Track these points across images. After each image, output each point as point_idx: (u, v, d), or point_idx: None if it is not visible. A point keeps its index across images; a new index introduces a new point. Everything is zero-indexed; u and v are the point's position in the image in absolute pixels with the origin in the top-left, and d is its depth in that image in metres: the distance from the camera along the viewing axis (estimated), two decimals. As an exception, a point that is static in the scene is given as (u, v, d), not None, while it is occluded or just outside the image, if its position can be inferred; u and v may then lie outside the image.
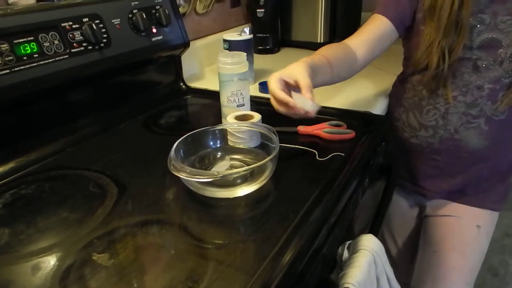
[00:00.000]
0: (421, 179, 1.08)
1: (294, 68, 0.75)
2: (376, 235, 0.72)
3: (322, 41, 1.54)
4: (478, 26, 0.87)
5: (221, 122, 0.88)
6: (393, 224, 1.20)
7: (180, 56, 1.11)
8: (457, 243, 1.01)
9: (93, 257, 0.53)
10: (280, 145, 0.66)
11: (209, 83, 1.18)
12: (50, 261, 0.53)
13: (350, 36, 0.98)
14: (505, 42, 0.86)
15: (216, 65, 1.36)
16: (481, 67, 0.89)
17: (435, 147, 0.99)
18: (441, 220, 1.05)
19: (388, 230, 1.21)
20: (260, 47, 1.52)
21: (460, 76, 0.91)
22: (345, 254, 0.67)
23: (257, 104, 0.94)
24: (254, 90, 1.11)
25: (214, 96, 1.01)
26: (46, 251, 0.55)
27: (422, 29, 0.92)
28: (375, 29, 0.96)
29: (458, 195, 1.05)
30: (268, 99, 1.01)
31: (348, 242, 0.69)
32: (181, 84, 1.13)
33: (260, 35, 1.50)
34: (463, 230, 1.02)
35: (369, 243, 0.65)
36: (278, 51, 1.56)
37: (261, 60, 1.42)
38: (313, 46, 1.54)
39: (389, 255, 1.20)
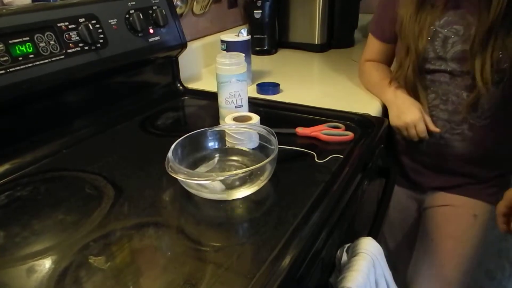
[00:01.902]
0: (413, 176, 1.13)
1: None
2: (375, 237, 0.72)
3: (319, 42, 1.54)
4: (452, 37, 0.91)
5: (218, 124, 0.88)
6: (393, 220, 1.21)
7: (177, 57, 1.10)
8: (453, 231, 1.02)
9: (90, 260, 0.52)
10: (278, 147, 0.66)
11: (206, 84, 1.17)
12: (46, 264, 0.52)
13: (366, 56, 1.15)
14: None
15: (213, 66, 1.35)
16: (457, 77, 0.93)
17: (424, 150, 1.04)
18: (438, 210, 1.07)
19: (388, 226, 1.21)
20: (258, 48, 1.52)
21: (439, 85, 0.96)
22: (344, 257, 0.66)
23: (255, 105, 0.94)
24: (252, 91, 1.11)
25: (211, 97, 1.00)
26: (41, 254, 0.54)
27: (398, 43, 1.01)
28: (376, 50, 1.12)
29: (453, 188, 1.08)
30: (266, 100, 1.02)
31: (347, 245, 0.69)
32: (178, 85, 1.13)
33: (258, 36, 1.50)
34: (459, 219, 1.04)
35: (368, 246, 0.65)
36: (275, 52, 1.56)
37: (258, 61, 1.42)
38: (310, 48, 1.55)
39: (388, 252, 1.21)
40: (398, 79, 1.01)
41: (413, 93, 0.99)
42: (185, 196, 0.65)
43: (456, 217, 1.04)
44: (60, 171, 0.75)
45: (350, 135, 0.80)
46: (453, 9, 0.90)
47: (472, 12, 0.88)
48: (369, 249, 0.64)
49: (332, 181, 0.66)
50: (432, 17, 0.92)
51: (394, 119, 0.98)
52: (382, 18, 1.06)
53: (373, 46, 1.12)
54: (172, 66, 1.10)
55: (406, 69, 0.97)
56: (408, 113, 0.95)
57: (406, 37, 0.95)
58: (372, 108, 0.99)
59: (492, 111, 0.94)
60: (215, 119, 0.90)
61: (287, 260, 0.49)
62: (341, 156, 0.74)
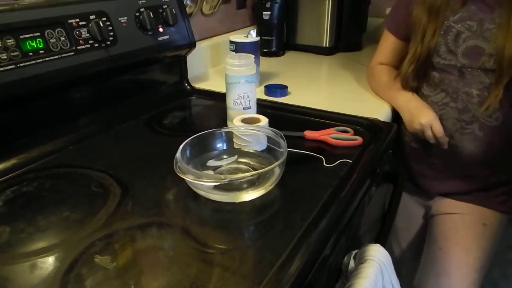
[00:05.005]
0: (421, 181, 1.11)
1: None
2: (383, 244, 0.71)
3: (327, 45, 1.53)
4: (465, 32, 0.91)
5: (225, 124, 0.87)
6: (399, 226, 1.20)
7: (186, 56, 1.10)
8: (462, 239, 1.00)
9: (95, 259, 0.52)
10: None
11: (214, 85, 1.16)
12: (50, 262, 0.52)
13: (378, 57, 1.15)
14: (488, 50, 0.89)
15: (221, 66, 1.36)
16: (467, 74, 0.93)
17: (433, 152, 1.02)
18: (447, 218, 1.06)
19: (393, 232, 1.20)
20: (265, 50, 1.51)
21: (448, 82, 0.96)
22: (351, 263, 0.66)
23: (263, 107, 0.93)
24: (259, 93, 1.10)
25: (218, 97, 1.00)
26: (46, 251, 0.54)
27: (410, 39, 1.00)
28: (390, 48, 1.12)
29: (462, 195, 1.06)
30: (274, 102, 1.01)
31: (354, 252, 0.68)
32: (186, 84, 1.12)
33: (266, 37, 1.49)
34: (469, 227, 1.02)
35: (376, 254, 0.64)
36: (283, 54, 1.55)
37: (265, 63, 1.41)
38: (318, 51, 1.54)
39: (393, 258, 1.20)
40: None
41: (411, 89, 1.00)
42: (191, 196, 0.64)
43: (465, 225, 1.02)
44: (66, 167, 0.74)
45: (359, 139, 0.80)
46: (468, 5, 0.91)
47: (485, 10, 0.89)
48: (377, 256, 0.64)
49: (341, 186, 0.66)
50: (448, 12, 0.93)
51: (409, 124, 0.97)
52: (398, 13, 1.06)
53: (387, 43, 1.12)
54: (180, 65, 1.10)
55: (409, 65, 0.98)
56: (421, 115, 0.95)
57: (417, 32, 0.96)
58: (381, 113, 0.98)
59: (503, 111, 0.92)
60: (222, 119, 0.89)
61: (295, 267, 0.49)
62: (350, 161, 0.73)
